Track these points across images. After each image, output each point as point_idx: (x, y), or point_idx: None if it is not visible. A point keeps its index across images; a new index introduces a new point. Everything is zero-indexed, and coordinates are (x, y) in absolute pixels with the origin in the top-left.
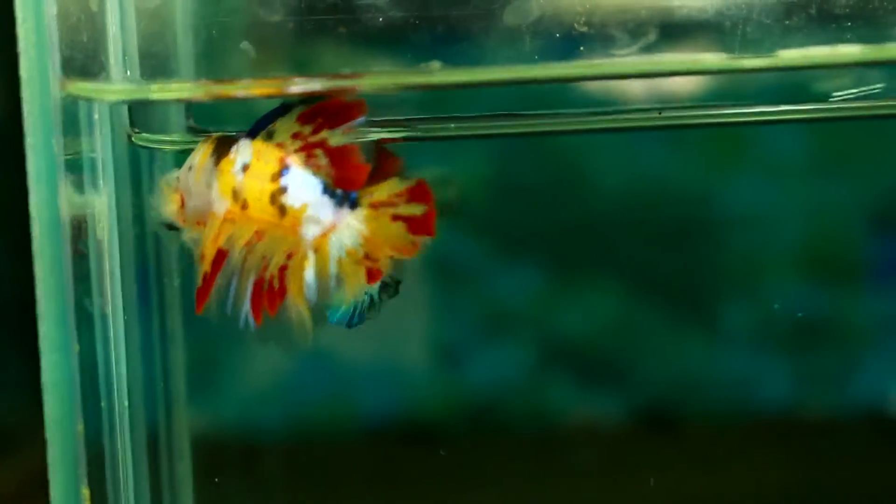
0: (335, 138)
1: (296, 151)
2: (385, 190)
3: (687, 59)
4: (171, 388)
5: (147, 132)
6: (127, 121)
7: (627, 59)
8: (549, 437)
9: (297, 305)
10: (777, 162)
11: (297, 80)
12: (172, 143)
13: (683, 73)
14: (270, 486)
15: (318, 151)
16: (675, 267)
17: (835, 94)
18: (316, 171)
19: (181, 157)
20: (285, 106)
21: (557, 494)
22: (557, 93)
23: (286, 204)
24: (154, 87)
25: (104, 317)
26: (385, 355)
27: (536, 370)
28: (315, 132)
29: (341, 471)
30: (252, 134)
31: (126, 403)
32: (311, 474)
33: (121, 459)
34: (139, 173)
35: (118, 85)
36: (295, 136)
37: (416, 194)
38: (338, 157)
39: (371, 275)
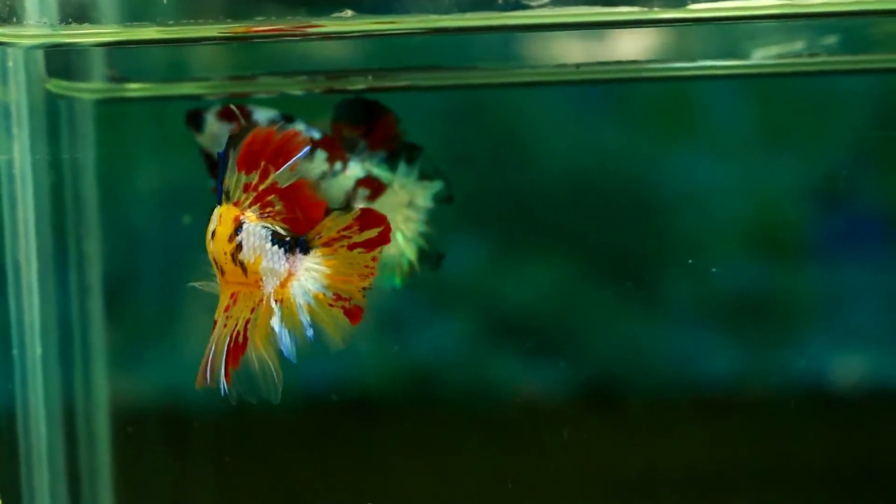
0: (283, 178)
1: (250, 205)
2: (333, 227)
3: (598, 11)
4: (89, 343)
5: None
6: (43, 67)
7: (538, 11)
8: (491, 409)
9: (261, 356)
10: (721, 136)
11: (214, 25)
12: (91, 91)
13: (594, 26)
14: (205, 457)
15: (272, 198)
16: (619, 240)
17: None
18: (272, 220)
19: (102, 107)
20: (222, 155)
21: (499, 466)
22: (475, 46)
23: (243, 261)
24: (67, 30)
25: (17, 267)
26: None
27: (479, 342)
28: (262, 178)
29: (280, 442)
30: (218, 199)
31: (39, 353)
32: (250, 445)
33: (33, 417)
34: (57, 122)
35: (32, 29)
36: (246, 187)
37: (365, 221)
38: (291, 198)
39: (352, 315)
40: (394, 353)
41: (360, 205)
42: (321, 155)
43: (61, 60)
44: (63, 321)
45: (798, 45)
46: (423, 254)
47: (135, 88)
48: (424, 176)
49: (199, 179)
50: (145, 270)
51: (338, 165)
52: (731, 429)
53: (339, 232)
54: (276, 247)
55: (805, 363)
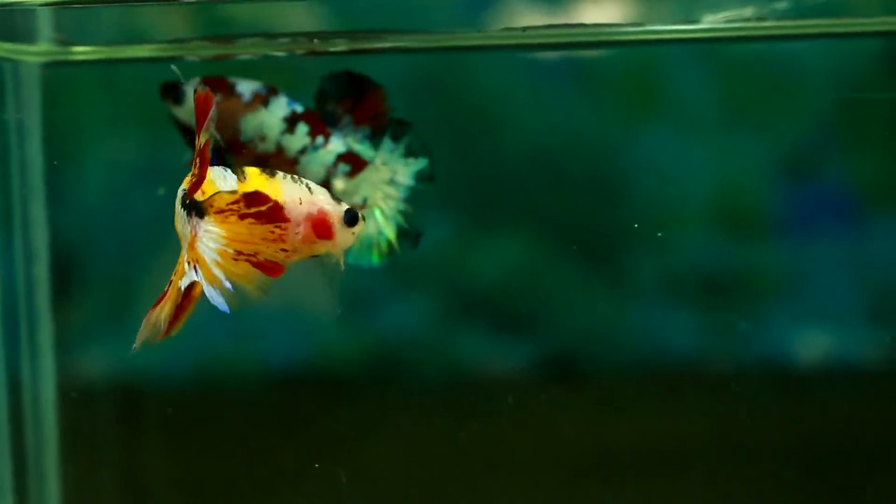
0: (201, 138)
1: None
2: (221, 200)
3: None
4: (35, 312)
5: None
6: None
7: None
8: (458, 385)
9: (162, 310)
10: (687, 112)
11: None
12: (37, 54)
13: None
14: (171, 434)
15: (194, 160)
16: (585, 216)
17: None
18: (187, 182)
19: (49, 70)
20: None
21: (465, 443)
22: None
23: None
24: None
25: None
26: (292, 303)
27: (445, 319)
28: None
29: (246, 418)
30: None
31: None
32: (215, 422)
33: None
34: (2, 85)
35: None
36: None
37: (252, 200)
38: (200, 160)
39: (267, 269)
40: (360, 330)
41: (338, 180)
42: (303, 128)
43: (5, 22)
44: (7, 289)
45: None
46: (402, 232)
47: (83, 52)
48: (410, 153)
49: (150, 145)
50: (94, 237)
51: (319, 140)
52: (693, 404)
53: (227, 205)
54: (183, 210)
55: (746, 327)
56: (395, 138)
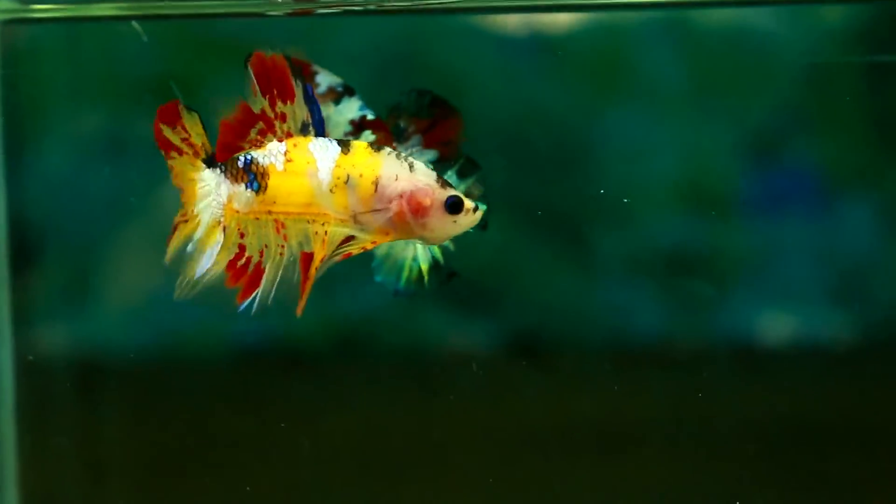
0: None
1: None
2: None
3: None
4: None
5: None
6: None
7: None
8: (422, 363)
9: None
10: (656, 93)
11: None
12: None
13: None
14: (136, 409)
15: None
16: (552, 195)
17: None
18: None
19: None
20: (310, 89)
21: (429, 420)
22: None
23: None
24: None
25: None
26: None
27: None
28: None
29: (210, 394)
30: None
31: None
32: (179, 398)
33: None
34: None
35: None
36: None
37: None
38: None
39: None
40: (324, 307)
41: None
42: (368, 136)
43: None
44: None
45: None
46: (435, 265)
47: (44, 9)
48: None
49: (110, 106)
50: (55, 204)
51: None
52: (660, 383)
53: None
54: (248, 180)
55: (712, 300)
56: (462, 175)
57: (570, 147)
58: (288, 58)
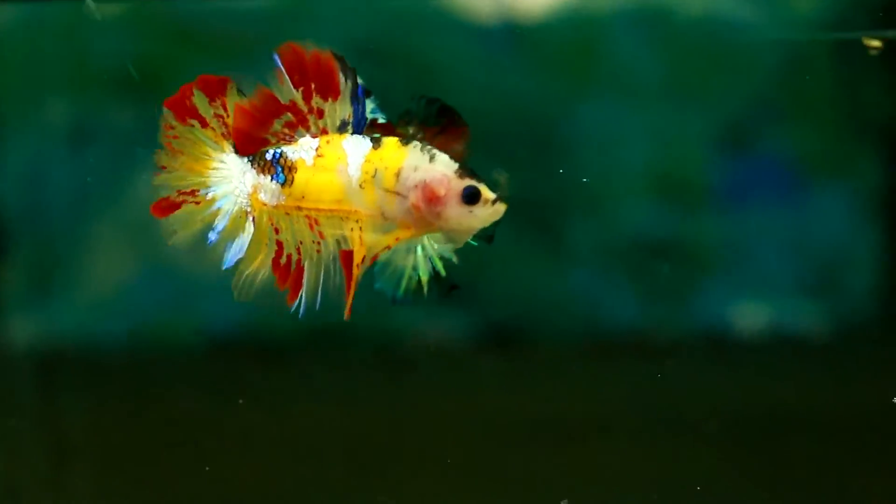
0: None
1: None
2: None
3: None
4: None
5: None
6: None
7: None
8: (396, 353)
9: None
10: (630, 82)
11: None
12: None
13: None
14: (110, 399)
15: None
16: (525, 184)
17: None
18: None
19: None
20: (361, 89)
21: (403, 410)
22: None
23: None
24: None
25: None
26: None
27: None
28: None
29: (181, 384)
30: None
31: None
32: (154, 388)
33: None
34: None
35: None
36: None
37: None
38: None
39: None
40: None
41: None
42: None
43: None
44: None
45: None
46: (436, 277)
47: None
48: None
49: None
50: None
51: None
52: (633, 372)
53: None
54: (277, 174)
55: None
56: None
57: (544, 136)
58: (338, 56)
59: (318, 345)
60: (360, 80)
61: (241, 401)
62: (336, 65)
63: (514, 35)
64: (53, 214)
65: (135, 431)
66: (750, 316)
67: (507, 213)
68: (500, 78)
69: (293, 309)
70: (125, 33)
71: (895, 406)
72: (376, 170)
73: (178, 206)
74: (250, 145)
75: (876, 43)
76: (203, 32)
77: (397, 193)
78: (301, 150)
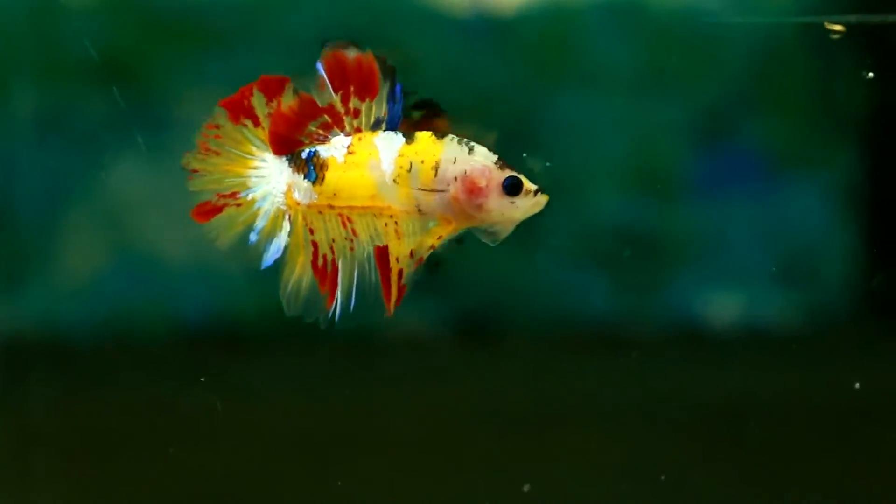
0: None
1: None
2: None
3: None
4: None
5: None
6: None
7: None
8: (368, 343)
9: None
10: (603, 74)
11: None
12: None
13: None
14: (80, 388)
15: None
16: None
17: None
18: None
19: None
20: (399, 87)
21: (374, 401)
22: None
23: None
24: None
25: None
26: (203, 258)
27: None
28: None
29: (154, 372)
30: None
31: None
32: (124, 375)
33: None
34: None
35: None
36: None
37: None
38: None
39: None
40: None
41: None
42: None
43: None
44: None
45: None
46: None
47: None
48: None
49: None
50: None
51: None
52: (606, 364)
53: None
54: (309, 173)
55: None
56: None
57: (518, 127)
58: (379, 56)
59: (289, 333)
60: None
61: (202, 379)
62: (376, 66)
63: (490, 27)
64: (22, 202)
65: (101, 419)
66: (722, 307)
67: None
68: (476, 70)
69: (330, 313)
70: (97, 22)
71: (866, 395)
72: (411, 164)
73: (219, 209)
74: (284, 147)
75: (838, 27)
76: (176, 21)
77: (434, 189)
78: (333, 148)
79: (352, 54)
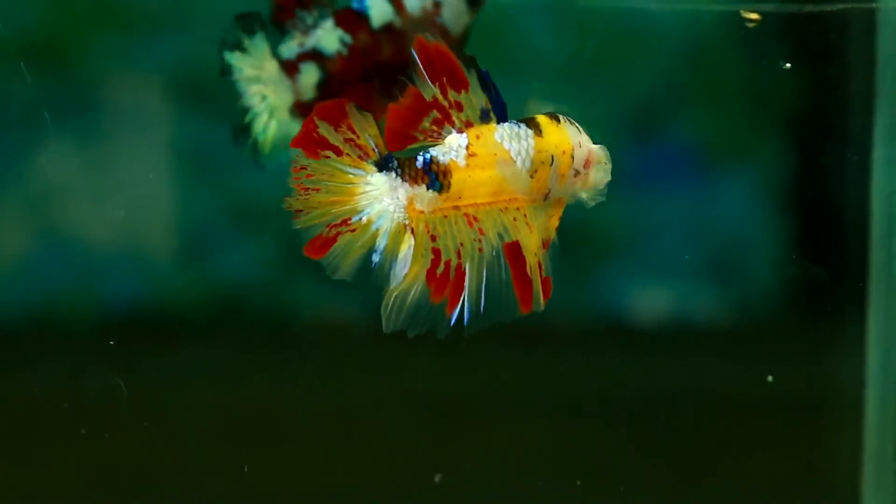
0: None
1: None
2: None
3: None
4: None
5: None
6: None
7: None
8: (294, 333)
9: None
10: (534, 67)
11: None
12: None
13: None
14: (4, 375)
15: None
16: None
17: None
18: None
19: None
20: (486, 74)
21: (299, 390)
22: None
23: None
24: None
25: None
26: (130, 244)
27: (283, 265)
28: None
29: (81, 360)
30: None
31: None
32: (50, 363)
33: None
34: None
35: None
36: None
37: None
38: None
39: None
40: (198, 274)
41: None
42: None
43: None
44: None
45: None
46: None
47: None
48: None
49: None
50: None
51: None
52: (532, 358)
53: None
54: (432, 182)
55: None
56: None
57: None
58: (453, 46)
59: (215, 322)
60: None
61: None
62: (452, 55)
63: None
64: None
65: (24, 407)
66: (650, 301)
67: None
68: None
69: (454, 319)
70: (25, 3)
71: (791, 389)
72: (553, 156)
73: (333, 240)
74: (399, 143)
75: (754, 16)
76: (107, 2)
77: (567, 175)
78: (450, 151)
79: (431, 42)
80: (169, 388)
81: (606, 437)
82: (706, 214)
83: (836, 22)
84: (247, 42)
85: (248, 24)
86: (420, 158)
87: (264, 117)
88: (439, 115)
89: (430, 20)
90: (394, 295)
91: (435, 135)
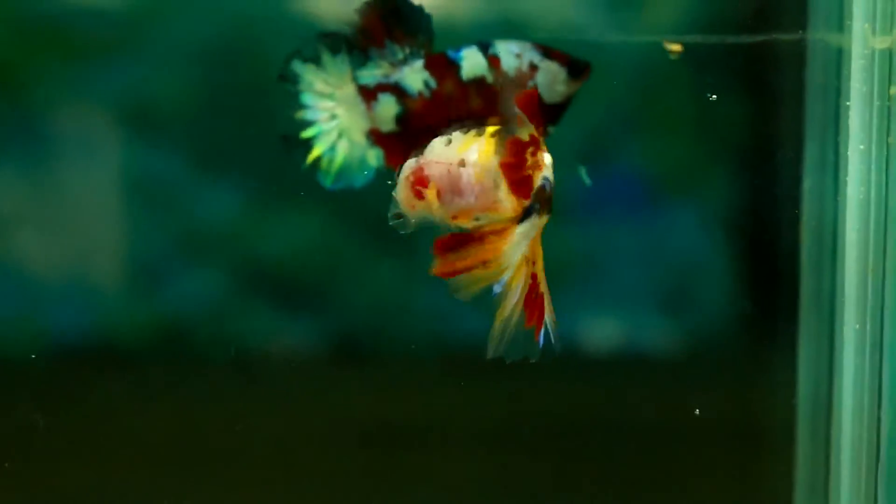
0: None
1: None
2: None
3: None
4: None
5: None
6: None
7: None
8: (244, 362)
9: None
10: None
11: None
12: None
13: None
14: None
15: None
16: (376, 194)
17: None
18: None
19: None
20: None
21: (250, 419)
22: None
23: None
24: None
25: None
26: (77, 273)
27: (233, 294)
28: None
29: (25, 391)
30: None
31: None
32: None
33: None
34: None
35: None
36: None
37: None
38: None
39: None
40: (146, 304)
41: None
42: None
43: None
44: None
45: None
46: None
47: None
48: None
49: None
50: None
51: None
52: (483, 385)
53: None
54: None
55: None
56: None
57: None
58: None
59: (165, 351)
60: None
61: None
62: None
63: None
64: None
65: None
66: (600, 331)
67: (357, 222)
68: None
69: (542, 344)
70: None
71: (742, 419)
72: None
73: (466, 270)
74: (526, 189)
75: (676, 47)
76: (57, 31)
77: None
78: (550, 174)
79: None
80: (114, 417)
81: (548, 465)
82: (657, 244)
83: (766, 53)
84: (327, 59)
85: (334, 42)
86: (546, 188)
87: (333, 136)
88: (534, 147)
89: (523, 81)
90: (502, 320)
91: (537, 165)
